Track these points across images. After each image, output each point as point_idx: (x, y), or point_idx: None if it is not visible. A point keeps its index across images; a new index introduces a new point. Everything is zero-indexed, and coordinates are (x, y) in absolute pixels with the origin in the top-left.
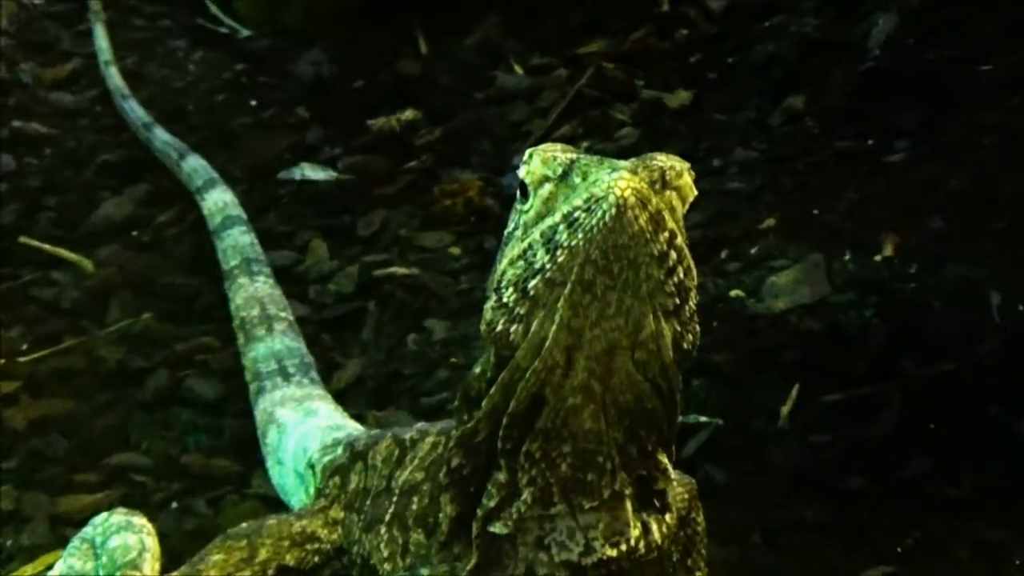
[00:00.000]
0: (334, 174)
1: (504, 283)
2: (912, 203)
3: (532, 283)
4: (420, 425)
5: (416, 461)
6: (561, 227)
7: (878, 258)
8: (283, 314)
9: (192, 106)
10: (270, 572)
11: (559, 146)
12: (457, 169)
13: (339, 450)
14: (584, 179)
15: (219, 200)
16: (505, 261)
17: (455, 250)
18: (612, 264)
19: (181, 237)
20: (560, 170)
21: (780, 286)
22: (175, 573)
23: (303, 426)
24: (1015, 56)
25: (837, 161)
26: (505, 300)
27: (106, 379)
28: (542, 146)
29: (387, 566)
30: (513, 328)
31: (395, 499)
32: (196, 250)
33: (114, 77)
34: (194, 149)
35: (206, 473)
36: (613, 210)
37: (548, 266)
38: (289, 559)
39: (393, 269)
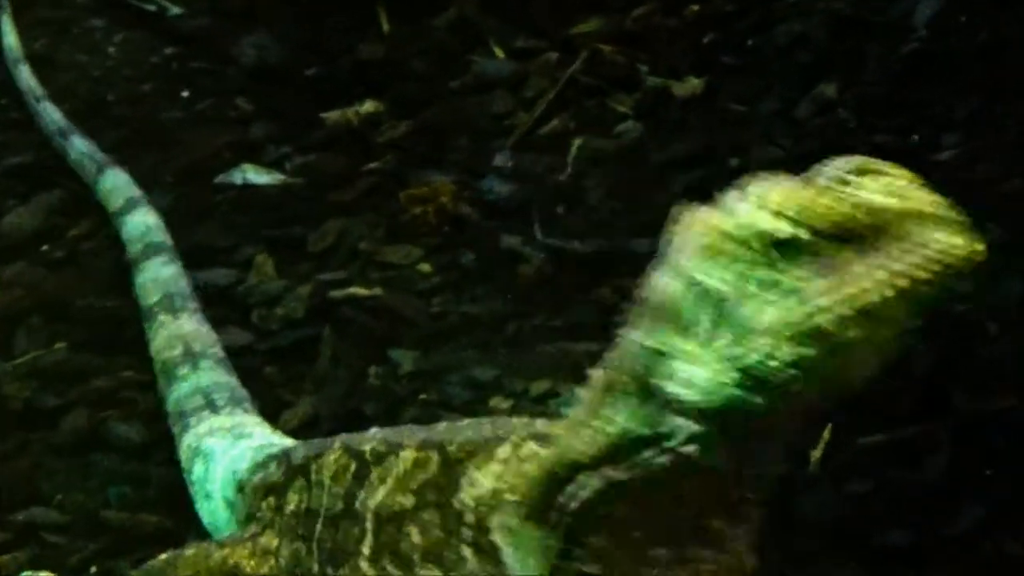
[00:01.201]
0: (282, 177)
1: None
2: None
3: None
4: (378, 433)
5: (392, 482)
6: None
7: None
8: (212, 350)
9: (113, 97)
10: None
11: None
12: (427, 171)
13: (272, 466)
14: None
15: (141, 224)
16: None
17: (425, 267)
18: None
19: (100, 253)
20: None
21: None
22: None
23: (233, 450)
24: None
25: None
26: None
27: (13, 420)
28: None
29: None
30: None
31: (370, 527)
32: (118, 268)
33: (25, 77)
34: (116, 150)
35: (130, 530)
36: None
37: None
38: None
39: (352, 290)
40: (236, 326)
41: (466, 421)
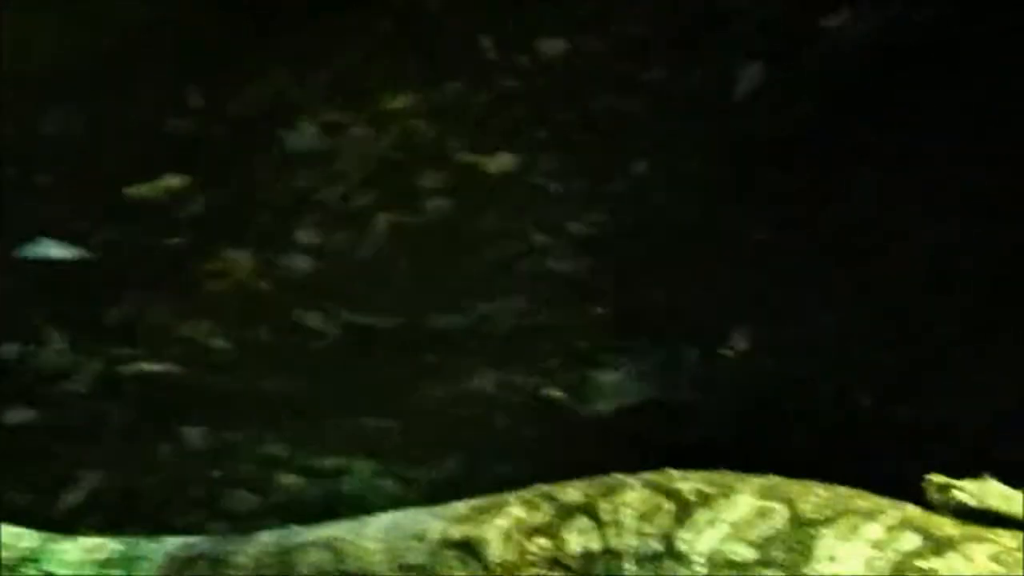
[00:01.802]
0: (80, 251)
1: None
2: (775, 288)
3: None
4: (680, 473)
5: (727, 528)
6: None
7: (730, 352)
8: None
9: None
10: None
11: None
12: (227, 246)
13: (529, 510)
14: None
15: None
16: None
17: (220, 342)
18: None
19: None
20: None
21: (607, 386)
22: None
23: (376, 521)
24: None
25: (688, 238)
26: None
27: None
28: None
29: None
30: None
31: (702, 572)
32: None
33: None
34: None
35: None
36: None
37: None
38: None
39: (144, 365)
40: (22, 402)
41: (810, 482)
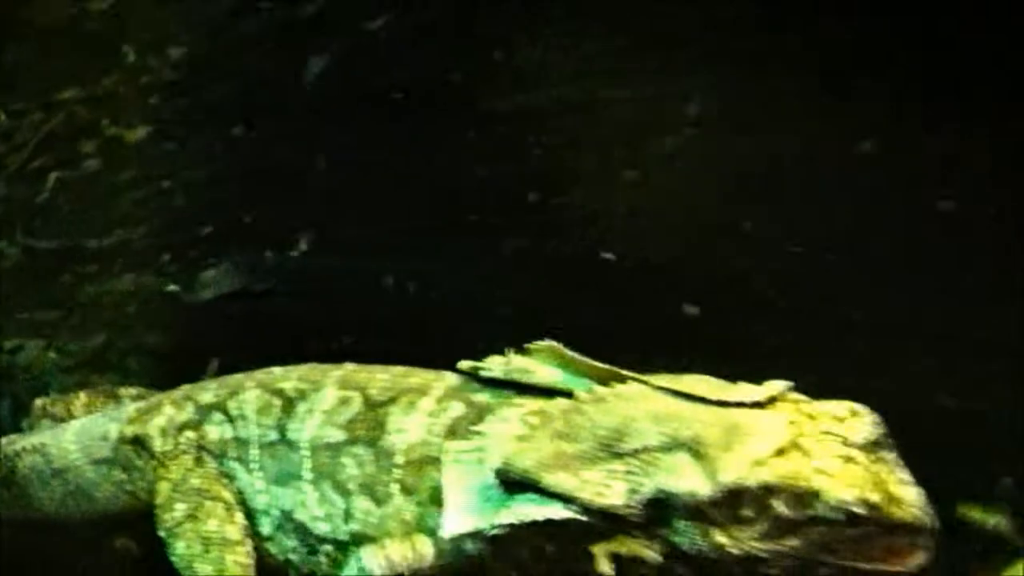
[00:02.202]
0: None
1: None
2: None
3: None
4: (281, 371)
5: (322, 416)
6: None
7: (295, 253)
8: None
9: None
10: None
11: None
12: None
13: (176, 410)
14: None
15: None
16: None
17: None
18: None
19: None
20: None
21: (208, 279)
22: None
23: (71, 427)
24: None
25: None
26: None
27: None
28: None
29: (323, 526)
30: None
31: (307, 454)
32: None
33: None
34: None
35: None
36: None
37: None
38: None
39: None
40: None
41: (372, 367)
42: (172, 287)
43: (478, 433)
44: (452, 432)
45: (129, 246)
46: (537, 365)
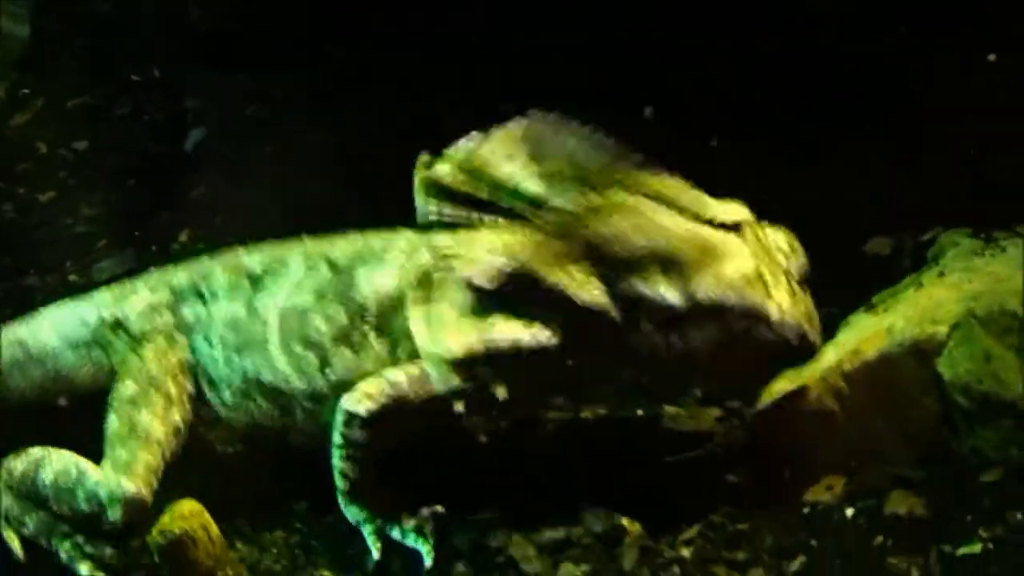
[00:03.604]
0: None
1: None
2: None
3: None
4: (246, 251)
5: (290, 288)
6: None
7: None
8: None
9: None
10: None
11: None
12: None
13: (154, 293)
14: None
15: None
16: None
17: None
18: None
19: None
20: None
21: None
22: None
23: (44, 316)
24: None
25: None
26: None
27: None
28: None
29: (298, 383)
30: None
31: (274, 322)
32: None
33: None
34: None
35: None
36: None
37: None
38: None
39: None
40: None
41: (332, 236)
42: None
43: (445, 256)
44: (421, 280)
45: None
46: (498, 157)
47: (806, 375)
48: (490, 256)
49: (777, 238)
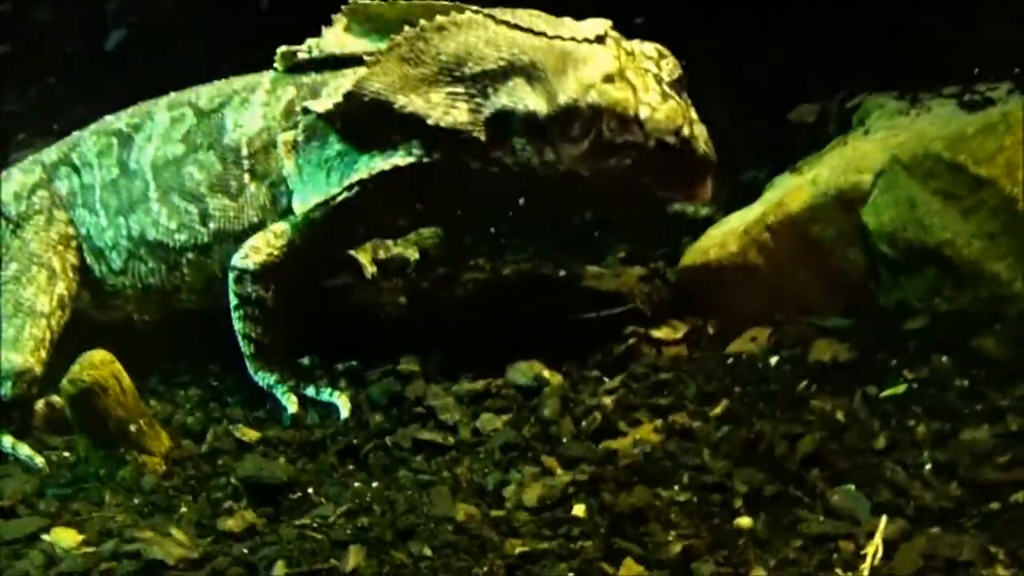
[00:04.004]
0: None
1: None
2: None
3: None
4: (112, 115)
5: (157, 139)
6: None
7: None
8: None
9: None
10: None
11: None
12: None
13: (27, 174)
14: None
15: None
16: None
17: None
18: None
19: None
20: None
21: None
22: None
23: None
24: None
25: None
26: None
27: None
28: None
29: (180, 236)
30: None
31: (150, 177)
32: None
33: None
34: None
35: None
36: None
37: None
38: None
39: None
40: None
41: (195, 87)
42: None
43: (304, 111)
44: (288, 113)
45: None
46: (351, 38)
47: (729, 229)
48: (342, 90)
49: (645, 48)
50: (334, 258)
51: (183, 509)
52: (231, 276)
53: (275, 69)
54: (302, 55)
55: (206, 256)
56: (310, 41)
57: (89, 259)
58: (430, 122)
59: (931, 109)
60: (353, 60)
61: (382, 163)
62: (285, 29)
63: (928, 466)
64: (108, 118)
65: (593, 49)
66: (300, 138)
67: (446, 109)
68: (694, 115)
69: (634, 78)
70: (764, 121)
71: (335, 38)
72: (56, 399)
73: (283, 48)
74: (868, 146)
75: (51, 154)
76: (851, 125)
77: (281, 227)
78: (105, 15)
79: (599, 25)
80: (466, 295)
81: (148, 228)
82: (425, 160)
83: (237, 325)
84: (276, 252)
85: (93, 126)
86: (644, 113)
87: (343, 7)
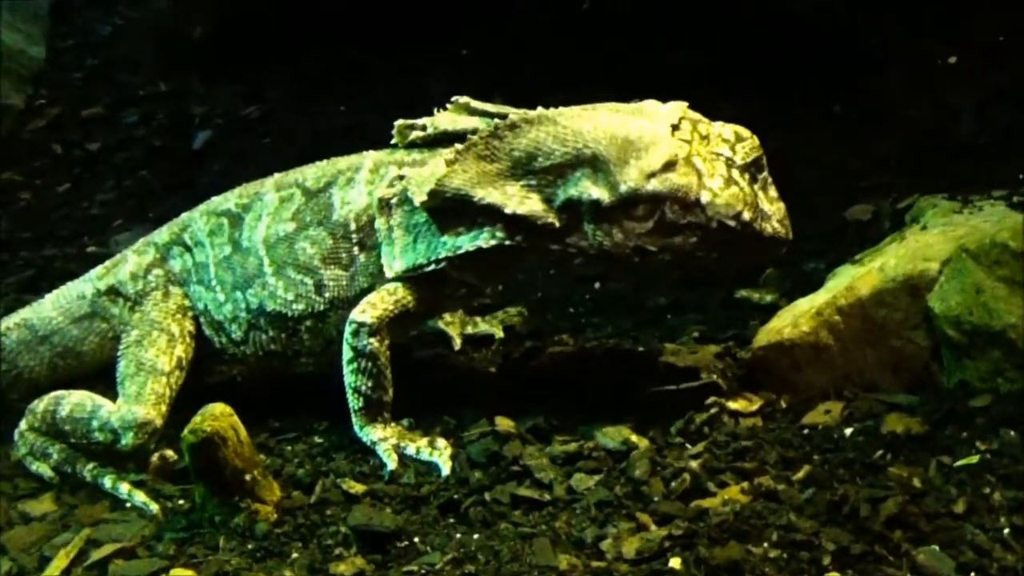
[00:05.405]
0: None
1: None
2: None
3: None
4: (220, 197)
5: (268, 218)
6: None
7: None
8: None
9: None
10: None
11: None
12: None
13: (141, 256)
14: None
15: None
16: None
17: None
18: None
19: None
20: None
21: None
22: None
23: (47, 299)
24: None
25: None
26: None
27: None
28: None
29: (298, 306)
30: None
31: (263, 253)
32: None
33: None
34: None
35: None
36: None
37: None
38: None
39: None
40: None
41: (300, 167)
42: None
43: (400, 178)
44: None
45: None
46: (457, 117)
47: (800, 312)
48: (427, 183)
49: (723, 131)
50: (425, 332)
51: (294, 555)
52: (348, 330)
53: (392, 145)
54: (417, 133)
55: (323, 322)
56: (424, 120)
57: (208, 331)
58: (507, 211)
59: (983, 208)
60: (463, 137)
61: (467, 244)
62: (350, 130)
63: (1007, 530)
64: (214, 200)
65: (657, 137)
66: (394, 201)
67: (521, 200)
68: (773, 194)
69: (700, 163)
70: (820, 219)
71: (448, 117)
72: (169, 452)
73: (400, 121)
74: (930, 239)
75: (162, 235)
76: (904, 223)
77: (393, 285)
78: (193, 117)
79: (675, 110)
80: (553, 365)
81: (266, 300)
82: (507, 243)
83: (349, 379)
84: (390, 307)
85: (200, 208)
86: (705, 198)
87: (455, 98)
